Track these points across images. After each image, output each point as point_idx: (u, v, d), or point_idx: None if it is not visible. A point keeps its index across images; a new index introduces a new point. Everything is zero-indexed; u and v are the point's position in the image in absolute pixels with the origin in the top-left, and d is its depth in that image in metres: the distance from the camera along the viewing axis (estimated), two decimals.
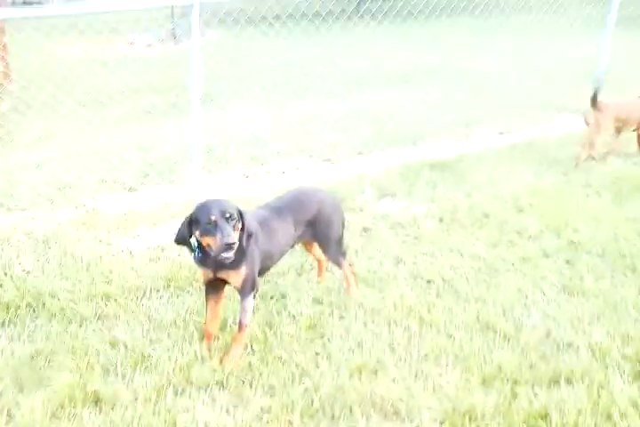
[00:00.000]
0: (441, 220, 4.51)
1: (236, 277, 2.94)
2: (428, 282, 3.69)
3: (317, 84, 9.13)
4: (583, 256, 3.94)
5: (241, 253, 2.87)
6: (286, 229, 3.18)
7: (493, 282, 3.67)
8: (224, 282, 3.01)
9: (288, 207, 3.23)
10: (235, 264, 2.89)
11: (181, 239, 2.86)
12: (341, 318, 3.33)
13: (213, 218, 2.69)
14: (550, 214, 4.51)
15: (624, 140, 5.80)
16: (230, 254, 2.73)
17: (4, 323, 3.26)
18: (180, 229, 2.85)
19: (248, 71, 9.17)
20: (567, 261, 3.90)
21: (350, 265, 3.61)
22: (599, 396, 2.68)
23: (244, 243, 2.82)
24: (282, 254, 3.28)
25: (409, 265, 3.87)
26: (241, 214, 2.81)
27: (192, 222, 2.78)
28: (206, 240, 2.76)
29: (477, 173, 5.41)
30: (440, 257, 3.97)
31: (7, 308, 3.35)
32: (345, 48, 9.95)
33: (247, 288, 2.99)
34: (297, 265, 3.86)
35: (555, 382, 2.80)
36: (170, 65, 10.21)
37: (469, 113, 7.21)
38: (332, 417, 2.61)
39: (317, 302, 3.47)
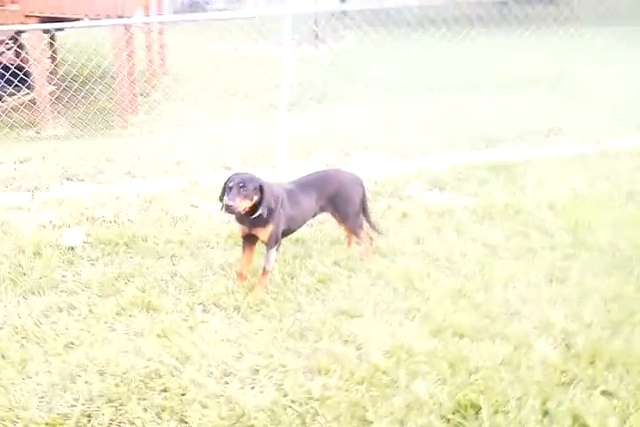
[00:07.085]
0: (474, 212, 5.13)
1: (263, 233, 3.89)
2: (435, 259, 4.38)
3: (413, 86, 9.80)
4: (583, 252, 4.40)
5: (269, 215, 3.82)
6: (309, 201, 4.07)
7: (490, 265, 4.28)
8: (256, 237, 3.97)
9: (312, 183, 4.13)
10: (264, 223, 3.85)
11: (220, 196, 3.86)
12: (349, 277, 4.15)
13: (230, 184, 3.65)
14: (577, 216, 4.95)
15: None
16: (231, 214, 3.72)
17: (104, 253, 4.48)
18: None
19: (362, 75, 10.09)
20: (567, 255, 4.39)
21: (371, 238, 4.41)
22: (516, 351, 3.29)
23: (264, 212, 3.73)
24: (304, 220, 4.18)
25: (425, 245, 4.58)
26: (261, 189, 3.69)
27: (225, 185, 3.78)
28: None
29: (530, 176, 5.89)
30: (456, 242, 4.62)
31: (109, 244, 4.58)
32: (462, 54, 10.51)
33: (271, 242, 3.92)
34: (334, 237, 4.73)
35: (492, 340, 3.44)
36: (304, 65, 11.40)
37: (556, 122, 7.57)
38: (306, 340, 3.47)
39: (336, 264, 4.32)
